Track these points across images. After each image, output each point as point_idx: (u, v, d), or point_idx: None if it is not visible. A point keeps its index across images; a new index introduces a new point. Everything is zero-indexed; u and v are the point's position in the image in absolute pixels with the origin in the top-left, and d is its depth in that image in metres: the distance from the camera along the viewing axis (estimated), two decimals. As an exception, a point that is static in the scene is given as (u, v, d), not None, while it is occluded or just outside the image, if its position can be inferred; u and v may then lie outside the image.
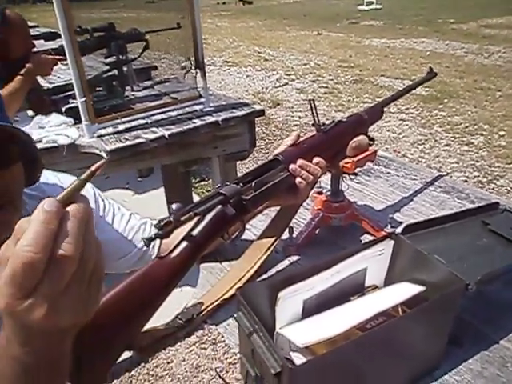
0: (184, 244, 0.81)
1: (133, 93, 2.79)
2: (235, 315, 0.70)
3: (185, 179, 3.01)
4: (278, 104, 6.31)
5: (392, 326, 0.70)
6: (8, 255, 0.40)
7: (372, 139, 1.11)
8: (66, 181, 1.00)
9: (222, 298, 0.97)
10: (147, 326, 0.83)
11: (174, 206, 0.80)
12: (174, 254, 0.80)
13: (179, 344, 0.89)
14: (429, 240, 0.87)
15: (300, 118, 5.70)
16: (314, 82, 7.38)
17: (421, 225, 0.91)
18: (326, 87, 7.01)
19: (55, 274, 0.40)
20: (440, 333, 0.77)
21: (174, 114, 2.35)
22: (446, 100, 6.00)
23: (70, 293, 0.42)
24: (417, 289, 0.78)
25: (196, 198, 3.62)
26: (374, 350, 0.69)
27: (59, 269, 0.40)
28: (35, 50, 2.33)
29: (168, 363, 0.85)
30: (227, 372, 0.82)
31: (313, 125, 1.05)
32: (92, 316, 0.46)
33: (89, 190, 1.04)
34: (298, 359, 0.73)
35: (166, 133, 2.13)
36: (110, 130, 2.19)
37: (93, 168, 0.45)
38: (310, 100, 1.03)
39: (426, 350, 0.77)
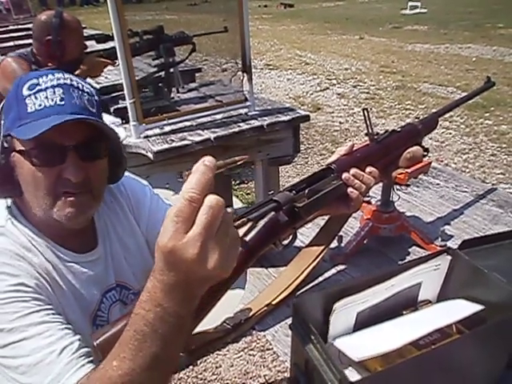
0: (237, 249, 0.82)
1: (178, 94, 2.84)
2: (290, 324, 0.70)
3: (225, 182, 3.03)
4: (319, 108, 6.28)
5: (450, 346, 0.68)
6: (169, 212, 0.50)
7: (426, 150, 1.09)
8: (141, 182, 1.11)
9: (269, 305, 0.97)
10: (196, 330, 0.84)
11: (228, 210, 0.80)
12: (227, 259, 0.81)
13: (227, 349, 0.89)
14: (487, 257, 0.84)
15: (341, 123, 5.65)
16: (355, 87, 7.31)
17: (479, 240, 0.88)
18: (368, 93, 6.93)
19: (208, 215, 0.49)
20: (498, 356, 0.74)
21: (219, 116, 2.38)
22: (492, 108, 5.82)
23: (216, 240, 0.50)
24: (475, 307, 0.76)
25: (236, 201, 3.64)
26: (430, 370, 0.67)
27: (210, 212, 0.49)
28: (87, 51, 2.40)
29: (216, 368, 0.85)
30: (275, 380, 0.82)
31: (366, 134, 1.04)
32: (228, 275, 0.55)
33: (146, 190, 1.08)
34: (349, 372, 0.72)
35: (212, 135, 2.16)
36: (157, 131, 2.24)
37: (237, 158, 0.58)
38: (364, 109, 1.02)
39: (483, 373, 0.75)
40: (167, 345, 0.57)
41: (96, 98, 0.87)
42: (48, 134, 0.75)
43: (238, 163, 0.59)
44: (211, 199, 0.50)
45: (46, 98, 0.78)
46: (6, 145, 0.81)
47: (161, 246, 0.50)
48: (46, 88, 0.79)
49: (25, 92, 0.79)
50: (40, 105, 0.78)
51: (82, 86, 0.84)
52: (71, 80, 0.82)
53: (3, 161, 0.81)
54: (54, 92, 0.79)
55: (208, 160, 0.52)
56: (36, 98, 0.78)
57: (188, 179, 0.50)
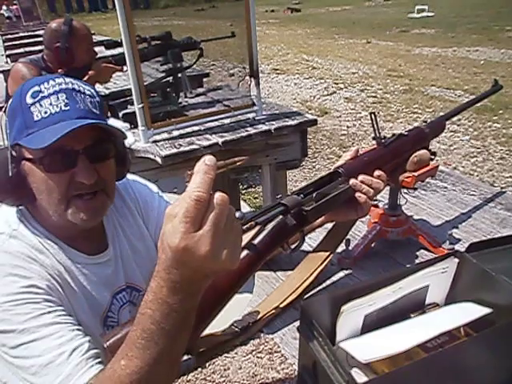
0: (245, 253, 0.82)
1: (186, 99, 2.86)
2: (298, 326, 0.70)
3: (233, 186, 3.04)
4: (326, 113, 6.28)
5: (458, 348, 0.68)
6: (175, 211, 0.51)
7: (434, 153, 1.09)
8: (149, 185, 1.11)
9: (277, 308, 0.97)
10: (204, 332, 0.84)
11: (236, 214, 0.81)
12: (235, 262, 0.81)
13: (236, 352, 0.90)
14: (495, 260, 0.84)
15: (348, 127, 5.65)
16: (362, 91, 7.30)
17: (486, 243, 0.88)
18: (375, 97, 6.92)
19: (216, 213, 0.51)
20: (506, 359, 0.74)
21: (227, 121, 2.39)
22: (501, 111, 5.78)
23: (224, 235, 0.52)
24: (483, 311, 0.76)
25: (243, 205, 3.65)
26: (437, 372, 0.67)
27: (218, 209, 0.51)
28: (97, 57, 2.43)
29: (225, 370, 0.86)
30: (283, 383, 0.83)
31: (373, 138, 1.04)
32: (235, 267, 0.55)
33: (154, 193, 1.09)
34: (357, 374, 0.72)
35: (220, 140, 2.17)
36: (165, 135, 2.26)
37: (237, 159, 0.55)
38: (371, 113, 1.03)
39: (490, 376, 0.75)
40: (173, 339, 0.58)
41: (97, 99, 0.87)
42: (58, 141, 0.76)
43: (238, 164, 0.60)
44: (217, 197, 0.52)
45: (51, 104, 0.79)
46: (14, 154, 0.82)
47: (172, 246, 0.51)
48: (50, 94, 0.80)
49: (28, 100, 0.80)
50: (46, 112, 0.79)
51: (83, 88, 0.85)
52: (72, 84, 0.83)
53: (14, 169, 0.82)
54: (58, 98, 0.80)
55: (209, 159, 0.53)
56: (41, 105, 0.79)
57: (192, 179, 0.51)
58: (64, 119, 0.79)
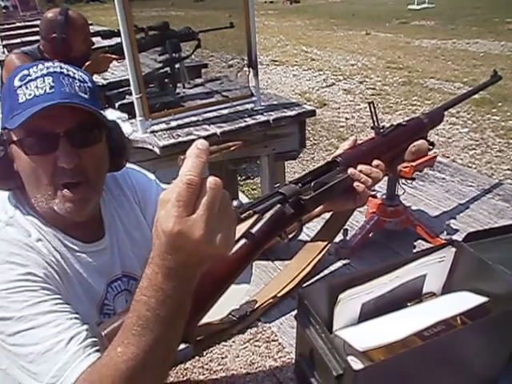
0: (243, 241, 0.82)
1: (184, 90, 2.84)
2: (296, 314, 0.71)
3: (232, 177, 3.04)
4: (325, 104, 6.26)
5: (453, 336, 0.69)
6: (168, 197, 0.51)
7: (432, 144, 1.09)
8: (147, 174, 1.10)
9: (275, 297, 0.98)
10: (202, 321, 0.85)
11: (234, 203, 0.81)
12: (233, 251, 0.81)
13: (233, 340, 0.90)
14: (492, 249, 0.85)
15: (347, 119, 5.64)
16: (361, 83, 7.28)
17: (483, 233, 0.89)
18: (374, 89, 6.90)
19: (209, 196, 0.51)
20: (502, 348, 0.74)
21: (225, 111, 2.38)
22: (500, 104, 5.77)
23: (218, 219, 0.52)
24: (479, 299, 0.76)
25: (241, 196, 3.65)
26: (434, 359, 0.67)
27: (211, 193, 0.51)
28: (93, 47, 2.42)
29: (222, 358, 0.86)
30: (281, 371, 0.83)
31: (372, 127, 1.04)
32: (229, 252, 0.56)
33: (152, 182, 1.08)
34: (353, 362, 0.73)
35: (218, 130, 2.17)
36: (163, 126, 2.25)
37: (231, 144, 0.55)
38: (369, 103, 1.02)
39: (485, 364, 0.75)
40: (169, 326, 0.58)
41: (89, 84, 0.84)
42: (38, 122, 0.75)
43: (232, 149, 0.60)
44: (210, 181, 0.51)
45: (36, 87, 0.78)
46: (5, 137, 0.81)
47: (166, 231, 0.51)
48: (36, 77, 0.79)
49: (16, 83, 0.79)
50: (30, 94, 0.78)
51: (73, 72, 0.83)
52: (61, 68, 0.81)
53: (2, 153, 0.81)
54: (44, 81, 0.78)
55: (200, 143, 0.53)
56: (27, 88, 0.78)
57: (184, 163, 0.51)
58: (46, 101, 0.77)
